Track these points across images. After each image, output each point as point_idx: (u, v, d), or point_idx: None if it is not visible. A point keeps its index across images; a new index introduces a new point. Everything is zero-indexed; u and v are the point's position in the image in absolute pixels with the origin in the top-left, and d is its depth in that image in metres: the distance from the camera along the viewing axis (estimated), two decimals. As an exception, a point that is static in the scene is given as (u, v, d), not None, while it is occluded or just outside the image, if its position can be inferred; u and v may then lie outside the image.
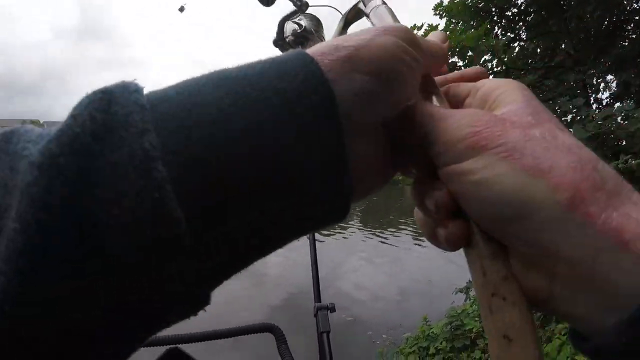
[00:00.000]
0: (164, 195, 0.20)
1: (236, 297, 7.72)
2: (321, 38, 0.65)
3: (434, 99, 0.33)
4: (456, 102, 0.34)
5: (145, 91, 0.23)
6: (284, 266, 10.05)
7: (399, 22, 0.42)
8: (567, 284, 0.24)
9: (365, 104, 0.26)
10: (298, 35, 0.61)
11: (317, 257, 1.63)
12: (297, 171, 0.23)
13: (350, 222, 16.83)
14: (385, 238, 13.78)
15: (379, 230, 15.42)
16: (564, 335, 2.72)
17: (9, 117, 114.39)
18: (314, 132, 0.23)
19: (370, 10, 0.44)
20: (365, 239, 13.89)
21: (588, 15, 4.75)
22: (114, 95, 0.21)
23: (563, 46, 5.02)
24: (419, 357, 3.93)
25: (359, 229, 15.60)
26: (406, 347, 4.12)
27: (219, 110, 0.22)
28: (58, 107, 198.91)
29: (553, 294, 0.25)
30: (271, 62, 0.25)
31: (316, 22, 0.65)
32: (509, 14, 5.07)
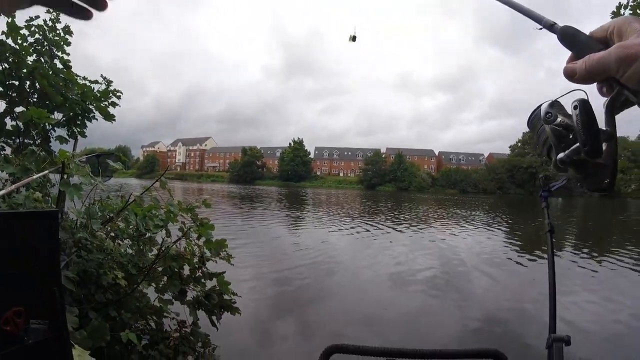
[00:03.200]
0: None
1: (443, 313, 7.72)
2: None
3: None
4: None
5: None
6: (499, 286, 9.80)
7: None
8: None
9: None
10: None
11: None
12: None
13: (566, 244, 15.60)
14: (602, 261, 12.63)
15: (598, 251, 14.12)
16: None
17: (233, 145, 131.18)
18: None
19: None
20: (582, 260, 12.86)
21: None
22: None
23: None
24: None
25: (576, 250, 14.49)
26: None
27: None
28: (274, 134, 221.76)
29: None
30: None
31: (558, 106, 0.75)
32: None
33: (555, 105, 0.73)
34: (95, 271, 2.68)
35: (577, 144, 0.65)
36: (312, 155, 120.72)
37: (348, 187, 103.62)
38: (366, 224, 22.36)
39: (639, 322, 7.23)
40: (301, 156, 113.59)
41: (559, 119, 0.70)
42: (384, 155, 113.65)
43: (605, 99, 0.67)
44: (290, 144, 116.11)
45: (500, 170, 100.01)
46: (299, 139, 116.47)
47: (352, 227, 20.43)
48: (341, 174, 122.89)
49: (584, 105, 0.64)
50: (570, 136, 0.68)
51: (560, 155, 0.68)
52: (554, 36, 0.71)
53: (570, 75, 0.66)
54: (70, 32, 4.80)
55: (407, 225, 22.58)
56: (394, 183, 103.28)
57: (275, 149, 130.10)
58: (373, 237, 17.38)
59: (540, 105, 0.75)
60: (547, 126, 0.71)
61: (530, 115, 0.77)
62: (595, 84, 0.67)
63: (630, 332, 6.79)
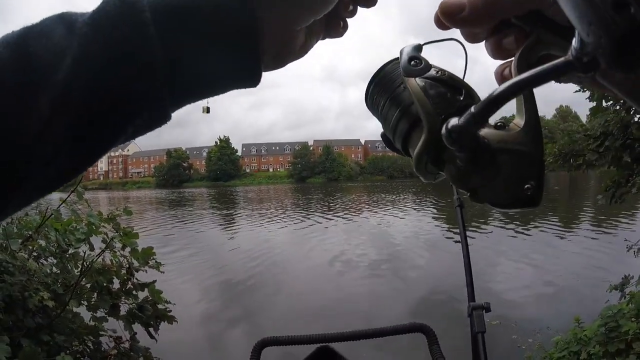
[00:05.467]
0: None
1: (381, 296, 7.92)
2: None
3: None
4: None
5: None
6: (429, 265, 10.17)
7: None
8: None
9: None
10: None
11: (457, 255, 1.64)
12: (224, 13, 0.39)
13: (489, 219, 16.39)
14: (528, 231, 13.49)
15: (518, 222, 14.99)
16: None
17: (158, 147, 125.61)
18: None
19: None
20: (505, 232, 13.65)
21: None
22: None
23: None
24: (569, 363, 3.72)
25: (499, 223, 15.30)
26: (555, 351, 3.88)
27: None
28: (200, 134, 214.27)
29: None
30: None
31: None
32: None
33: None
34: (21, 294, 2.54)
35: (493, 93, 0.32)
36: (239, 153, 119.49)
37: (279, 182, 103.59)
38: (301, 217, 22.46)
39: (556, 285, 7.83)
40: (228, 154, 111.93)
41: (434, 71, 0.42)
42: (311, 148, 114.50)
43: (501, 62, 0.43)
44: (216, 142, 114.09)
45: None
46: (225, 136, 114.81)
47: (287, 222, 20.43)
48: (271, 169, 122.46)
49: None
50: (462, 97, 0.41)
51: (454, 121, 0.35)
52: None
53: (452, 12, 0.38)
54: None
55: (341, 214, 22.91)
56: (323, 174, 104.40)
57: (202, 149, 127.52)
58: (309, 230, 17.48)
59: (393, 59, 0.47)
60: (413, 80, 0.42)
61: (374, 79, 0.48)
62: (481, 38, 0.42)
63: (550, 295, 7.34)
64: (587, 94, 4.05)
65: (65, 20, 0.37)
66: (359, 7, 0.48)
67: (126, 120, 0.38)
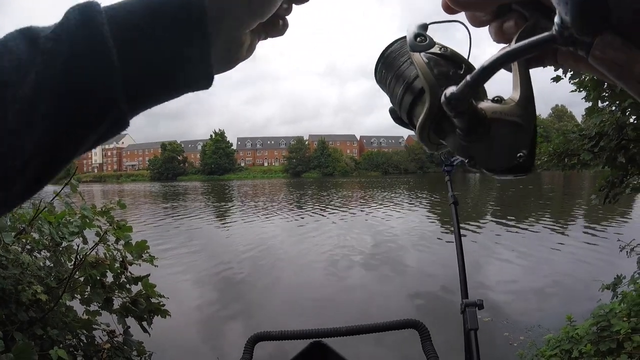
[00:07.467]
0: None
1: (375, 292, 7.93)
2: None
3: None
4: None
5: None
6: (423, 261, 10.20)
7: None
8: None
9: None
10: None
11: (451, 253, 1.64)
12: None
13: (483, 217, 16.42)
14: (522, 229, 13.55)
15: (512, 221, 15.03)
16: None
17: (153, 140, 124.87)
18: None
19: None
20: (499, 231, 13.70)
21: None
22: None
23: None
24: (561, 361, 3.74)
25: (493, 221, 15.36)
26: (547, 349, 3.90)
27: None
28: (196, 127, 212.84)
29: None
30: None
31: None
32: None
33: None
34: (14, 288, 2.53)
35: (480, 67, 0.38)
36: (234, 147, 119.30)
37: (274, 177, 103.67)
38: (295, 212, 22.47)
39: (549, 284, 7.88)
40: (223, 148, 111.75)
41: (438, 48, 0.46)
42: (307, 143, 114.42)
43: (503, 45, 0.42)
44: (211, 136, 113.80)
45: (419, 151, 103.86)
46: (220, 130, 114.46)
47: (281, 218, 20.42)
48: (266, 164, 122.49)
49: None
50: (462, 71, 0.44)
51: (452, 89, 0.40)
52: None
53: None
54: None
55: (336, 210, 22.88)
56: (318, 169, 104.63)
57: (197, 142, 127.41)
58: (303, 225, 17.47)
59: (400, 38, 0.51)
60: (418, 55, 0.45)
61: (382, 56, 0.52)
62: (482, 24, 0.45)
63: (542, 293, 7.38)
64: (583, 93, 4.06)
65: (27, 35, 0.39)
66: (293, 5, 0.52)
67: (90, 129, 0.41)
